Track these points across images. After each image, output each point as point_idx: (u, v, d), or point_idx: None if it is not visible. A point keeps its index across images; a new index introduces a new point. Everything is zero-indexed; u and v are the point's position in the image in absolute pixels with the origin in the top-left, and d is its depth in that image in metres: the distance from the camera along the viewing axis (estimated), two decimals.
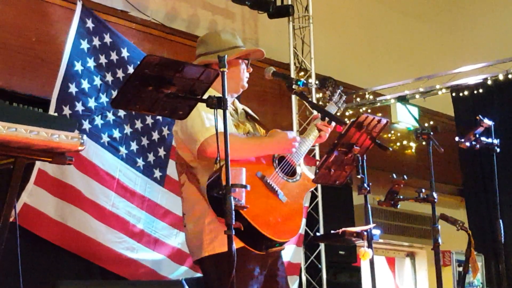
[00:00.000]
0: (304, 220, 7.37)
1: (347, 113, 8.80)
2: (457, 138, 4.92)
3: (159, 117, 5.98)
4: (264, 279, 3.64)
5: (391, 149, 3.91)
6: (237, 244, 3.15)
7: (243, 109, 3.97)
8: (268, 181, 3.62)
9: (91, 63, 5.66)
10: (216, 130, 3.07)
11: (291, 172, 3.78)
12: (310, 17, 8.32)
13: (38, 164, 5.20)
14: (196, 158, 3.60)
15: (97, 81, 5.68)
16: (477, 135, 4.85)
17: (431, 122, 9.70)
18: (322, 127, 3.88)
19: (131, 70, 5.79)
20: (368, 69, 9.60)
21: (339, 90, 4.14)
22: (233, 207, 2.94)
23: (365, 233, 3.67)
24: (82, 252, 5.56)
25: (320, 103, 8.59)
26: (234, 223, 2.94)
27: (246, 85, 3.90)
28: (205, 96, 3.11)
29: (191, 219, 3.66)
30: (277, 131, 3.75)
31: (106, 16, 6.54)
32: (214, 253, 3.55)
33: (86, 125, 5.54)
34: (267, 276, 3.68)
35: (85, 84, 5.58)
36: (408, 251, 10.91)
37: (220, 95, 3.77)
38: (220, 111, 3.62)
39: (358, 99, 8.96)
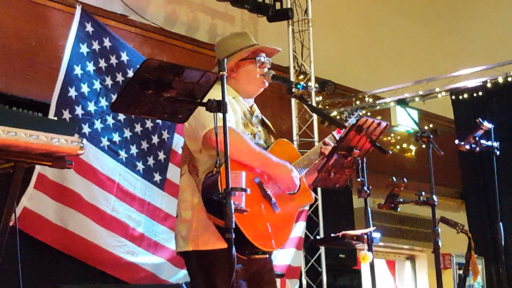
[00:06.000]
0: (304, 224, 7.38)
1: None
2: (457, 141, 4.92)
3: (159, 121, 5.98)
4: (248, 284, 3.62)
5: (391, 152, 3.90)
6: (220, 244, 3.15)
7: (261, 116, 3.95)
8: (265, 188, 3.61)
9: (90, 67, 5.66)
10: (216, 127, 3.06)
11: (286, 191, 3.74)
12: (309, 21, 8.33)
13: (38, 168, 5.19)
14: (200, 149, 3.59)
15: (97, 85, 5.68)
16: (477, 138, 4.84)
17: (431, 125, 9.71)
18: (325, 151, 3.83)
19: (130, 74, 5.80)
20: (368, 72, 9.61)
21: (357, 113, 4.12)
22: (233, 210, 2.94)
23: (365, 236, 3.67)
24: (82, 256, 5.55)
25: (320, 106, 8.61)
26: (233, 226, 2.94)
27: (266, 83, 3.85)
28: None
29: (183, 210, 3.65)
30: (287, 164, 3.67)
31: (106, 20, 6.55)
32: (197, 249, 3.55)
33: (85, 129, 5.54)
34: (253, 281, 3.66)
35: (84, 88, 5.58)
36: (408, 254, 10.91)
37: (237, 95, 3.79)
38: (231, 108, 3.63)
39: (357, 102, 8.96)
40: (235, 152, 3.49)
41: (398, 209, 4.37)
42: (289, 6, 8.19)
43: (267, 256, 3.73)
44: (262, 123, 3.93)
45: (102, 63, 5.75)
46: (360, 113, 4.15)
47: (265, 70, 3.83)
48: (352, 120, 4.02)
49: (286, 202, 3.68)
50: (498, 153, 4.96)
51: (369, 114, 8.80)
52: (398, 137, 9.55)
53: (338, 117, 8.41)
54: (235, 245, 3.16)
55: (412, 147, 9.59)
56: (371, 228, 3.67)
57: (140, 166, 5.91)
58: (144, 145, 5.98)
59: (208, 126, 3.47)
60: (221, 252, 3.00)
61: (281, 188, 3.65)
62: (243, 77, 3.80)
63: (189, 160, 3.67)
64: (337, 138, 3.83)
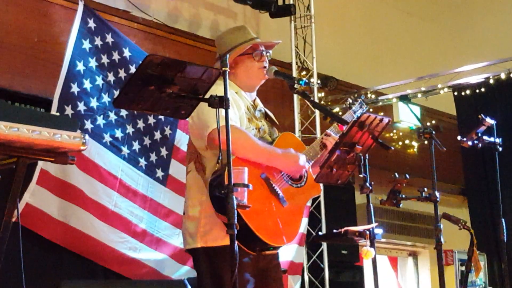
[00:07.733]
0: (306, 220, 7.37)
1: None
2: (459, 137, 4.91)
3: (161, 117, 5.99)
4: (256, 280, 3.63)
5: (393, 148, 3.90)
6: (229, 240, 3.16)
7: (264, 110, 3.95)
8: (272, 183, 3.62)
9: (93, 63, 5.66)
10: (218, 125, 3.04)
11: (297, 177, 3.78)
12: (312, 17, 8.32)
13: (41, 164, 5.20)
14: (206, 146, 3.60)
15: (99, 81, 5.68)
16: (479, 134, 4.84)
17: (433, 121, 9.69)
18: (326, 141, 3.85)
19: (133, 70, 5.79)
20: (370, 68, 9.60)
21: (360, 99, 4.12)
22: (235, 206, 2.94)
23: (368, 232, 3.66)
24: (85, 252, 5.56)
25: (322, 102, 8.60)
26: (236, 222, 2.94)
27: (266, 75, 3.85)
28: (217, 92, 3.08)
29: (191, 207, 3.66)
30: (291, 150, 3.70)
31: (108, 16, 6.55)
32: (206, 245, 3.57)
33: (88, 125, 5.54)
34: (260, 277, 3.67)
35: (87, 84, 5.58)
36: (411, 250, 10.91)
37: (240, 89, 3.79)
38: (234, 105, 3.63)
39: None
40: (240, 150, 3.49)
41: (401, 205, 4.37)
42: (291, 2, 8.18)
43: (277, 251, 3.75)
44: (266, 116, 3.93)
45: (105, 59, 5.74)
46: (363, 99, 4.15)
47: (265, 63, 3.83)
48: (356, 107, 4.03)
49: (294, 195, 3.70)
50: (500, 149, 4.96)
51: (371, 110, 8.78)
52: (401, 133, 9.55)
53: (340, 113, 8.40)
54: (246, 243, 3.17)
55: (415, 143, 9.59)
56: (373, 224, 3.66)
57: (142, 162, 5.91)
58: (147, 141, 5.98)
59: (211, 126, 3.47)
60: (229, 248, 3.00)
61: (291, 175, 3.67)
62: (243, 72, 3.80)
63: (196, 157, 3.67)
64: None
